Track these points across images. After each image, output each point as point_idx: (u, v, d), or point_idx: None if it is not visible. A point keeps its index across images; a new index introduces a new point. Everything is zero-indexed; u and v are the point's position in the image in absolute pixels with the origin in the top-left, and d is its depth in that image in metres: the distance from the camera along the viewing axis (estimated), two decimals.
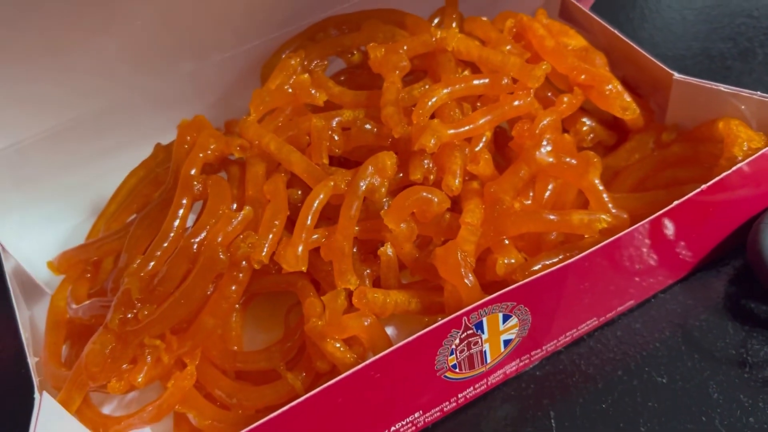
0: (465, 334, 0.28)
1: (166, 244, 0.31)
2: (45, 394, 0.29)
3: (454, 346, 0.28)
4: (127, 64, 0.37)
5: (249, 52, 0.40)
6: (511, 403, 0.32)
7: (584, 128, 0.37)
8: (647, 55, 0.37)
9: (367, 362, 0.27)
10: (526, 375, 0.33)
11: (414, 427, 0.31)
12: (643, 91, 0.40)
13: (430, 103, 0.33)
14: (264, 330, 0.36)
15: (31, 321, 0.37)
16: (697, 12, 0.50)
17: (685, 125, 0.37)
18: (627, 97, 0.36)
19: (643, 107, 0.38)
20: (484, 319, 0.28)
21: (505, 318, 0.29)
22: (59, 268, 0.37)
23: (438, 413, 0.31)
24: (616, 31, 0.39)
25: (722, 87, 0.34)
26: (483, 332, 0.29)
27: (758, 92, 0.33)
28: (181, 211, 0.32)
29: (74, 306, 0.34)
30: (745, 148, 0.32)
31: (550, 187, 0.34)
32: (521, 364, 0.32)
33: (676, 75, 0.36)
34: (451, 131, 0.32)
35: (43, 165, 0.39)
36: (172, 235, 0.31)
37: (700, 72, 0.45)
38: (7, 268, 0.37)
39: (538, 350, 0.32)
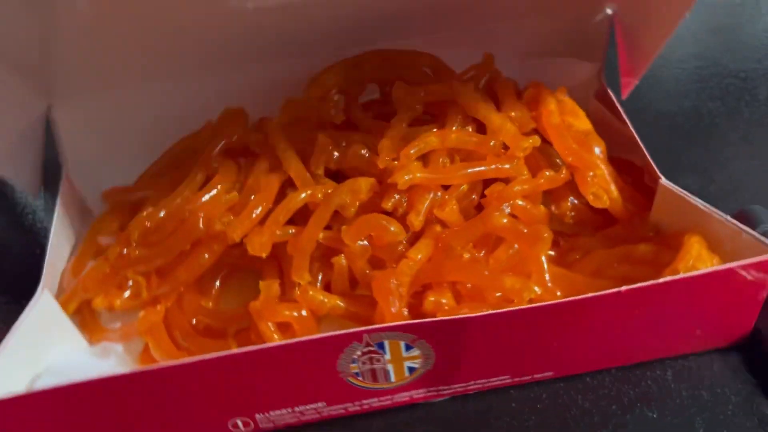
0: (366, 349, 0.32)
1: (171, 204, 0.38)
2: (46, 291, 0.37)
3: (356, 356, 0.33)
4: (202, 70, 0.45)
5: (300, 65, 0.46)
6: None
7: (567, 204, 0.39)
8: (647, 155, 0.39)
9: (275, 344, 0.32)
10: (527, 407, 0.35)
11: (318, 415, 0.36)
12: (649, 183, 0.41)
13: (415, 149, 0.37)
14: (243, 301, 0.42)
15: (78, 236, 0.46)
16: (688, 72, 0.56)
17: (664, 227, 0.38)
18: (613, 188, 0.38)
19: (632, 200, 0.39)
20: (386, 342, 0.32)
21: (408, 347, 0.33)
22: (106, 199, 0.45)
23: (342, 410, 0.36)
24: (630, 127, 0.41)
25: (699, 203, 0.36)
26: (385, 353, 0.33)
27: (728, 216, 0.34)
28: (193, 182, 0.39)
29: (103, 237, 0.42)
30: (690, 265, 0.33)
31: (515, 247, 0.37)
32: (429, 394, 0.36)
33: (662, 180, 0.37)
34: (423, 174, 0.36)
35: (118, 123, 0.48)
36: (179, 200, 0.38)
37: (691, 129, 0.50)
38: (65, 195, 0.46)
39: (446, 387, 0.35)
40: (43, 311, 0.36)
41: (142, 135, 0.47)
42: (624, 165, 0.43)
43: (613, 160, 0.42)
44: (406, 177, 0.36)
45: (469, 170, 0.37)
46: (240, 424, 0.35)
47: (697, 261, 0.33)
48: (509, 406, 0.35)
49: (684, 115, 0.52)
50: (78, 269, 0.42)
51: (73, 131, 0.46)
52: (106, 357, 0.38)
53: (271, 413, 0.35)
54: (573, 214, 0.39)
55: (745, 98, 0.53)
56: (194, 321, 0.38)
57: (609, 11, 0.46)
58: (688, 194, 0.36)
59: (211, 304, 0.40)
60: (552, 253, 0.39)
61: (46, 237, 0.39)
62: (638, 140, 0.40)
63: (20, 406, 0.31)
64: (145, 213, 0.38)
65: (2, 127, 0.44)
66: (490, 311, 0.31)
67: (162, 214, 0.38)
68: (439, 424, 0.35)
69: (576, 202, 0.39)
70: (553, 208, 0.39)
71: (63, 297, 0.38)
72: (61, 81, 0.45)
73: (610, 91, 0.44)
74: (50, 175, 0.46)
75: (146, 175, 0.45)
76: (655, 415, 0.34)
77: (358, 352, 0.32)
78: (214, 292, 0.40)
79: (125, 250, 0.37)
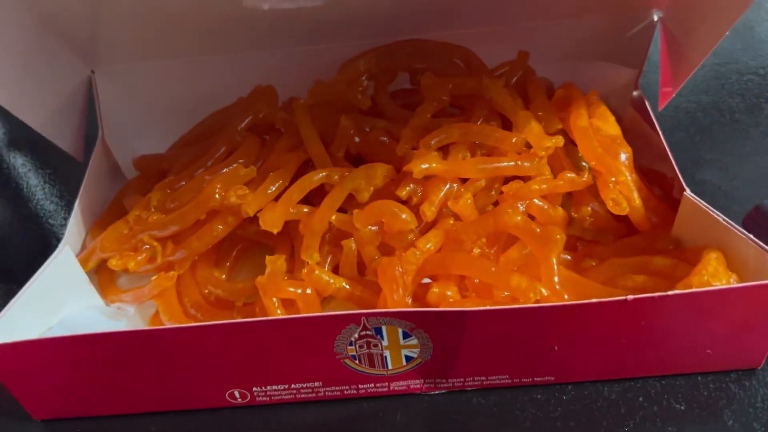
0: (364, 332, 0.32)
1: (192, 173, 0.39)
2: (67, 247, 0.38)
3: (353, 339, 0.33)
4: (239, 48, 0.46)
5: (337, 50, 0.46)
6: (539, 424, 0.34)
7: (587, 209, 0.38)
8: (675, 167, 0.38)
9: (272, 318, 0.32)
10: (553, 398, 0.35)
11: (314, 394, 0.36)
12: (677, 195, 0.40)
13: (436, 140, 0.37)
14: (255, 276, 0.42)
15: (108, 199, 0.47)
16: (707, 69, 0.57)
17: (686, 241, 0.37)
18: (635, 196, 0.37)
19: (657, 211, 0.38)
20: (383, 327, 0.32)
21: (405, 335, 0.33)
22: (137, 166, 0.46)
23: (338, 392, 0.36)
24: (662, 138, 0.39)
25: (721, 218, 0.34)
26: (383, 338, 0.33)
27: (751, 235, 0.33)
28: (217, 154, 0.40)
29: (128, 201, 0.43)
30: (704, 281, 0.32)
31: (528, 249, 0.36)
32: (426, 385, 0.36)
33: (687, 192, 0.36)
34: (439, 165, 0.36)
35: (155, 93, 0.49)
36: (200, 170, 0.39)
37: (711, 124, 0.51)
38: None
39: (444, 380, 0.35)
40: (62, 266, 0.38)
41: (177, 106, 0.48)
42: (656, 177, 0.41)
43: (644, 170, 0.41)
44: (423, 166, 0.35)
45: (487, 165, 0.36)
46: (237, 395, 0.35)
47: (713, 277, 0.32)
48: (534, 397, 0.35)
49: (704, 110, 0.52)
50: (101, 230, 0.43)
51: (111, 97, 0.48)
52: (118, 318, 0.39)
53: (268, 388, 0.35)
54: (592, 219, 0.38)
55: (765, 94, 0.54)
56: (207, 291, 0.39)
57: (655, 17, 0.45)
58: (714, 210, 0.35)
59: (224, 276, 0.41)
60: (568, 257, 0.38)
61: (64, 227, 0.40)
62: (668, 152, 0.39)
63: (26, 352, 0.32)
64: (167, 180, 0.39)
65: (48, 90, 0.45)
66: (490, 307, 0.31)
67: (182, 182, 0.39)
68: (464, 416, 0.35)
69: (597, 208, 0.38)
70: (572, 211, 0.38)
71: (82, 255, 0.40)
72: (104, 49, 0.46)
73: (645, 100, 0.43)
74: (90, 138, 0.47)
75: (177, 145, 0.46)
76: (683, 407, 0.33)
77: (356, 335, 0.32)
78: (228, 264, 0.41)
79: (144, 215, 0.38)
